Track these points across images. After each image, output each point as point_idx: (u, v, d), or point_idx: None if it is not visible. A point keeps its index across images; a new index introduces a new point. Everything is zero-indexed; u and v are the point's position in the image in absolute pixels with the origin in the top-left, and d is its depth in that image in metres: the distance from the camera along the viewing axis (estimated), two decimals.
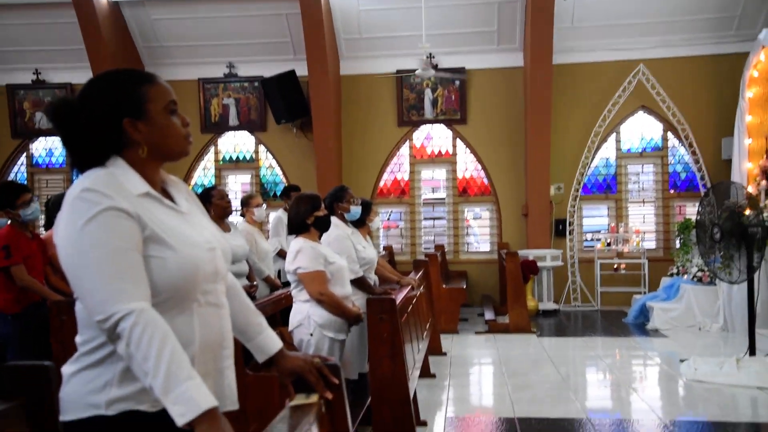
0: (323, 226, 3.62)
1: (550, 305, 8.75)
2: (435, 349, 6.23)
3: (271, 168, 9.92)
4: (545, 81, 8.55)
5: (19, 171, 10.10)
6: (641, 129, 9.46)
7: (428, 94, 9.50)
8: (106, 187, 1.41)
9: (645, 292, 8.60)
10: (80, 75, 9.35)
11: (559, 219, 9.30)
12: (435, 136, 9.80)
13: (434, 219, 10.00)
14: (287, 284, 5.12)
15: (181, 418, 1.27)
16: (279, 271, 5.66)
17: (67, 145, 1.51)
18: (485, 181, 9.66)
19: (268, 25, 9.04)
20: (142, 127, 1.50)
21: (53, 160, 10.13)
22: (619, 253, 9.18)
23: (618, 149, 9.50)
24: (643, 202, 9.55)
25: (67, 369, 1.49)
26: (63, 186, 9.94)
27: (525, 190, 9.20)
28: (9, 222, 3.92)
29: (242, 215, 5.23)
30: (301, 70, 8.96)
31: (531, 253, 8.55)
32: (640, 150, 9.47)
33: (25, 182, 10.03)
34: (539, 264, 8.43)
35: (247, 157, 9.91)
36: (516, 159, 9.38)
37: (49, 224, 4.52)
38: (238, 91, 9.55)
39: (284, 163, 9.71)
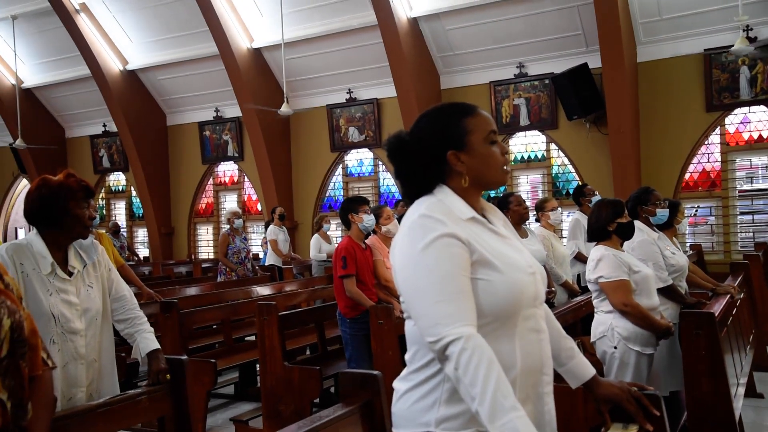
0: (626, 233, 3.41)
1: None
2: (761, 364, 5.47)
3: (563, 166, 9.70)
4: None
5: (336, 180, 11.46)
6: None
7: (744, 72, 8.35)
8: (439, 214, 1.51)
9: None
10: (385, 90, 10.26)
11: None
12: (754, 119, 8.58)
13: (753, 213, 8.76)
14: (586, 289, 4.96)
15: None
16: (578, 276, 5.51)
17: (398, 176, 1.65)
18: None
19: (559, 20, 8.84)
20: (465, 158, 1.58)
21: (363, 169, 11.27)
22: None
23: None
24: None
25: (398, 385, 1.61)
26: (371, 192, 11.00)
27: None
28: (349, 230, 4.48)
29: (537, 220, 5.20)
30: (594, 63, 8.58)
31: None
32: None
33: (341, 190, 11.36)
34: None
35: (539, 156, 9.83)
36: None
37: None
38: (529, 90, 9.53)
39: (577, 161, 9.41)
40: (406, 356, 1.64)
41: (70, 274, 2.37)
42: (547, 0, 8.70)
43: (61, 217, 2.37)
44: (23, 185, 15.11)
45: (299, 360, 5.02)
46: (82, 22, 11.26)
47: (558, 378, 1.79)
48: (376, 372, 2.14)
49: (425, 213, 1.52)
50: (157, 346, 2.49)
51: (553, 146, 9.67)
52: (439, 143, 1.58)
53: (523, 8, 8.91)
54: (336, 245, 9.99)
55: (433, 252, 1.47)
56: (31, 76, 13.03)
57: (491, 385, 1.35)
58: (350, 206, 4.55)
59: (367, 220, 4.50)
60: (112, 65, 11.77)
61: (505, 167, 1.63)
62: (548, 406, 1.59)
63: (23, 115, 12.53)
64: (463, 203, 1.58)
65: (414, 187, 1.62)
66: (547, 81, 9.30)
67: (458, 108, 1.64)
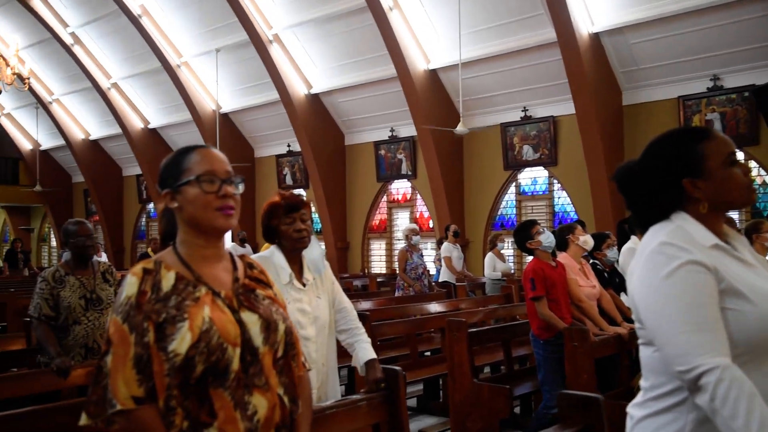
0: None
1: None
2: None
3: (764, 185, 8.86)
4: None
5: (509, 199, 11.37)
6: None
7: None
8: (681, 241, 1.48)
9: None
10: (563, 107, 10.04)
11: None
12: None
13: None
14: None
15: None
16: None
17: (631, 206, 1.65)
18: None
19: (762, 27, 8.13)
20: (702, 184, 1.53)
21: (537, 188, 11.09)
22: None
23: None
24: None
25: (634, 412, 1.59)
26: (545, 211, 10.78)
27: None
28: (534, 255, 4.43)
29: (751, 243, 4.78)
30: None
31: None
32: None
33: (514, 208, 11.25)
34: None
35: None
36: None
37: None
38: (724, 104, 8.84)
39: None
40: (642, 383, 1.62)
41: (304, 284, 2.60)
42: (747, 7, 8.05)
43: (275, 233, 2.63)
44: None
45: (484, 378, 5.03)
46: (275, 51, 12.24)
47: None
48: (597, 395, 2.12)
49: (666, 240, 1.49)
50: (374, 356, 2.65)
51: (752, 163, 8.87)
52: (674, 171, 1.55)
53: (718, 17, 8.31)
54: (510, 264, 9.97)
55: (678, 279, 1.44)
56: (229, 102, 14.37)
57: (755, 420, 1.29)
58: (523, 236, 4.45)
59: (545, 239, 4.40)
60: (298, 90, 12.65)
61: (750, 187, 1.57)
62: None
63: (221, 137, 13.85)
64: (705, 230, 1.53)
65: (648, 215, 1.61)
66: (746, 93, 8.56)
67: (692, 133, 1.59)
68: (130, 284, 1.46)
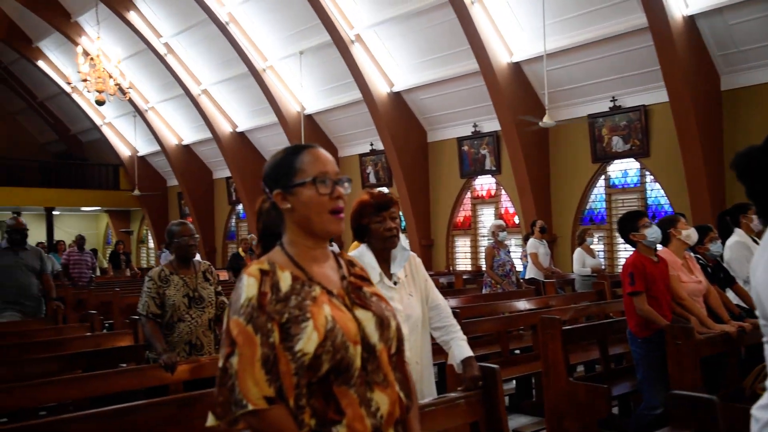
0: None
1: None
2: None
3: None
4: None
5: (598, 192, 11.01)
6: None
7: None
8: None
9: None
10: (654, 95, 9.63)
11: None
12: None
13: None
14: None
15: None
16: None
17: (752, 195, 1.55)
18: None
19: None
20: None
21: (628, 180, 10.68)
22: None
23: None
24: None
25: (761, 414, 1.50)
26: (637, 204, 10.36)
27: None
28: (636, 248, 4.26)
29: None
30: None
31: None
32: None
33: (603, 202, 10.88)
34: None
35: None
36: None
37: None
38: None
39: None
40: None
41: (395, 283, 2.61)
42: None
43: (365, 232, 2.65)
44: None
45: (578, 377, 4.89)
46: (356, 51, 12.37)
47: None
48: (711, 396, 2.02)
49: None
50: (471, 353, 2.62)
51: None
52: None
53: None
54: (600, 260, 9.65)
55: None
56: (313, 103, 14.65)
57: None
58: (628, 226, 4.28)
59: (651, 233, 4.21)
60: (380, 89, 12.72)
61: None
62: None
63: (306, 138, 14.13)
64: None
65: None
66: None
67: None
68: (250, 285, 1.47)
